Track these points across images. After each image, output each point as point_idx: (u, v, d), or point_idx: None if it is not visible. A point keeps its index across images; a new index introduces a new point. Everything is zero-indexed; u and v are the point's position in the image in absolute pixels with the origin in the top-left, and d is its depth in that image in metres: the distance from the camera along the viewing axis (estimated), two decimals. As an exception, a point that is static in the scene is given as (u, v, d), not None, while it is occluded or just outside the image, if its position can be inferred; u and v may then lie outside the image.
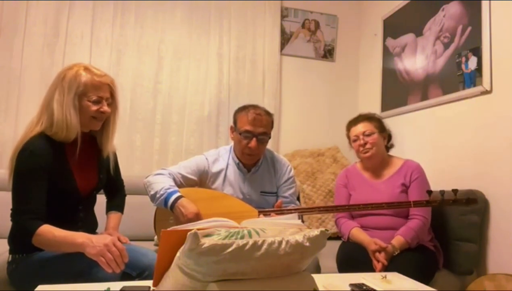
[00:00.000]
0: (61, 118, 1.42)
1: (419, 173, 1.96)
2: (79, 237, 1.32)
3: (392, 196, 1.92)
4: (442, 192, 1.76)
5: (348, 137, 2.11)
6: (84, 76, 1.45)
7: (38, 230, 1.32)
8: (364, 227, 1.96)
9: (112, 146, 1.64)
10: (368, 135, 1.99)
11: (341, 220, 2.04)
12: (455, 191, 1.76)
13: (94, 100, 1.46)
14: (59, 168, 1.44)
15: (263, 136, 1.90)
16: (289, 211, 1.83)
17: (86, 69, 1.48)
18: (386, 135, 2.06)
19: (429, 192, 1.77)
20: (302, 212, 1.81)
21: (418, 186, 1.92)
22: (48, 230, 1.34)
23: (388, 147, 2.10)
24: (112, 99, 1.54)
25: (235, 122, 1.96)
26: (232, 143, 2.03)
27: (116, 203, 1.78)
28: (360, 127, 2.02)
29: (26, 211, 1.36)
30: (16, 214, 1.39)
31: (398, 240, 1.80)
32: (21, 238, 1.40)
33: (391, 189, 1.96)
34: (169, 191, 1.75)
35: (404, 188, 1.94)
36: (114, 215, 1.77)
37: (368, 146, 1.98)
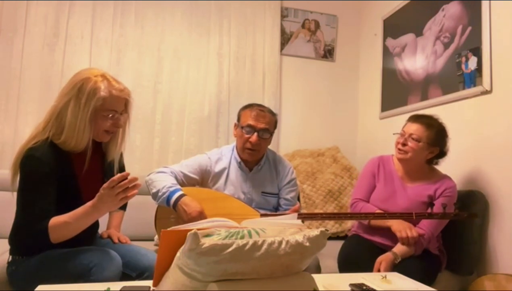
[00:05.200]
0: (73, 129, 1.38)
1: (451, 192, 1.86)
2: (89, 210, 1.31)
3: (415, 203, 1.87)
4: (444, 205, 1.73)
5: (403, 126, 1.96)
6: (103, 90, 1.40)
7: (48, 226, 1.31)
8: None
9: (119, 150, 1.61)
10: (413, 139, 1.85)
11: (359, 204, 1.97)
12: (456, 204, 1.75)
13: (111, 116, 1.44)
14: (64, 176, 1.42)
15: (265, 132, 1.90)
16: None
17: (105, 80, 1.42)
18: (435, 150, 1.89)
19: (431, 205, 1.74)
20: (304, 218, 1.80)
21: (442, 202, 1.77)
22: (58, 221, 1.32)
23: (432, 162, 1.95)
24: (125, 110, 1.52)
25: (238, 118, 1.98)
26: (234, 142, 2.04)
27: None
28: (413, 128, 1.88)
29: (35, 218, 1.34)
30: (26, 223, 1.37)
31: (402, 248, 1.78)
32: (39, 244, 1.38)
33: (417, 195, 1.90)
34: (171, 189, 1.74)
35: (429, 200, 1.86)
36: (117, 213, 1.77)
37: (406, 148, 1.86)
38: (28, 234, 1.38)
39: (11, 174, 1.42)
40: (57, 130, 1.41)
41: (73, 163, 1.46)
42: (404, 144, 1.87)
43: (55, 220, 1.33)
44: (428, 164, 1.95)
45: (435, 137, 1.87)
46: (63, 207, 1.38)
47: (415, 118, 1.93)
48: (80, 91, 1.39)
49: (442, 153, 1.93)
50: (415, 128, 1.88)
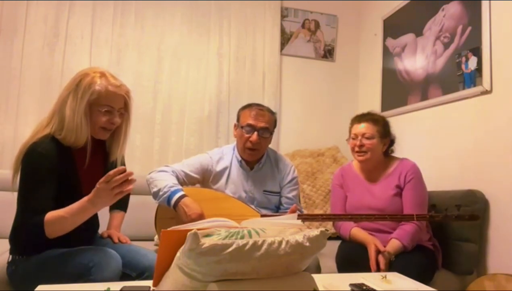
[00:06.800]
0: (72, 124, 1.40)
1: (413, 173, 1.90)
2: (86, 205, 1.31)
3: (385, 200, 1.90)
4: (445, 208, 1.75)
5: (349, 131, 2.04)
6: (99, 85, 1.42)
7: (45, 220, 1.31)
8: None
9: (122, 151, 1.62)
10: (367, 138, 1.92)
11: (338, 222, 2.02)
12: (458, 206, 1.75)
13: (106, 110, 1.44)
14: (65, 172, 1.43)
15: (265, 131, 1.90)
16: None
17: (103, 76, 1.45)
18: (387, 141, 1.98)
19: (433, 206, 1.75)
20: (304, 219, 1.80)
21: (412, 187, 1.87)
22: (53, 215, 1.32)
23: (388, 152, 2.02)
24: (125, 109, 1.52)
25: (238, 118, 1.98)
26: (235, 142, 2.04)
27: (120, 201, 1.75)
28: (362, 128, 1.95)
29: (32, 211, 1.34)
30: (22, 215, 1.38)
31: (393, 244, 1.78)
32: (35, 238, 1.38)
33: (384, 191, 1.92)
34: (172, 189, 1.75)
35: (398, 190, 1.91)
36: (117, 214, 1.78)
37: (364, 149, 1.92)
38: (24, 228, 1.38)
39: (13, 169, 1.43)
40: (58, 126, 1.42)
41: (74, 158, 1.47)
42: (361, 146, 1.93)
43: (51, 214, 1.33)
44: (385, 155, 2.01)
45: (384, 130, 1.96)
46: (63, 202, 1.38)
47: (360, 119, 2.00)
48: (78, 86, 1.42)
49: (392, 141, 2.02)
50: (364, 127, 1.95)
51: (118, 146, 1.58)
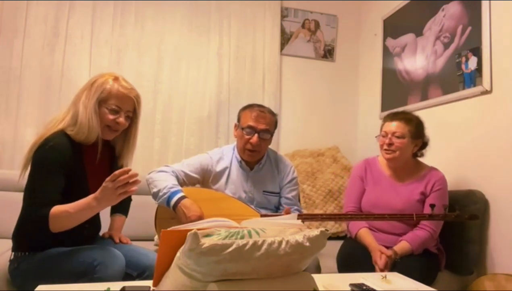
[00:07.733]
0: (84, 120, 1.44)
1: (441, 184, 1.88)
2: (91, 202, 1.32)
3: (409, 202, 1.88)
4: (445, 206, 1.75)
5: (380, 128, 1.99)
6: (110, 85, 1.49)
7: (50, 213, 1.32)
8: (370, 228, 1.94)
9: (130, 158, 1.67)
10: (398, 137, 1.87)
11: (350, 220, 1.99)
12: (457, 208, 1.75)
13: (112, 109, 1.49)
14: (74, 167, 1.45)
15: (265, 133, 1.90)
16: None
17: (116, 79, 1.53)
18: (419, 143, 1.93)
19: (432, 206, 1.74)
20: (304, 219, 1.80)
21: (436, 198, 1.85)
22: (59, 209, 1.33)
23: (417, 154, 1.99)
24: (133, 114, 1.58)
25: (239, 119, 1.98)
26: (235, 142, 2.04)
27: (121, 205, 1.76)
28: (393, 126, 1.90)
29: (39, 203, 1.35)
30: (29, 207, 1.39)
31: (402, 246, 1.78)
32: (39, 232, 1.38)
33: (409, 194, 1.90)
34: (172, 190, 1.75)
35: (422, 196, 1.89)
36: (119, 218, 1.78)
37: (393, 147, 1.88)
38: (30, 220, 1.39)
39: (23, 163, 1.45)
40: (71, 121, 1.46)
41: (84, 155, 1.50)
42: (390, 144, 1.89)
43: (56, 208, 1.34)
44: (414, 157, 1.98)
45: (416, 130, 1.91)
46: (69, 198, 1.38)
47: (392, 117, 1.96)
48: (92, 85, 1.50)
49: (424, 144, 1.97)
50: (396, 126, 1.90)
51: (128, 150, 1.64)
